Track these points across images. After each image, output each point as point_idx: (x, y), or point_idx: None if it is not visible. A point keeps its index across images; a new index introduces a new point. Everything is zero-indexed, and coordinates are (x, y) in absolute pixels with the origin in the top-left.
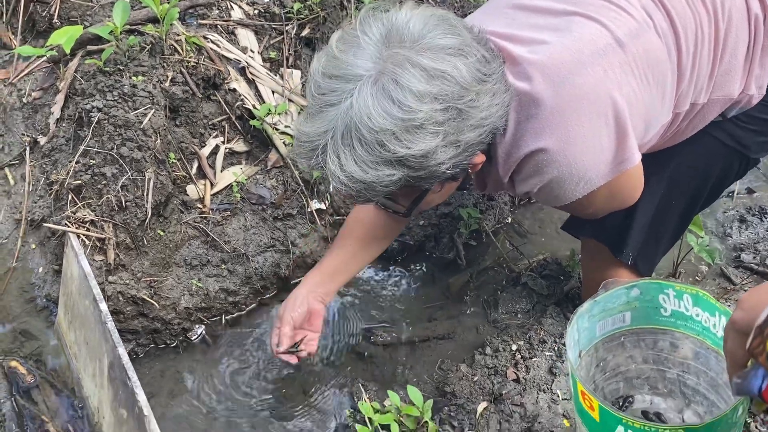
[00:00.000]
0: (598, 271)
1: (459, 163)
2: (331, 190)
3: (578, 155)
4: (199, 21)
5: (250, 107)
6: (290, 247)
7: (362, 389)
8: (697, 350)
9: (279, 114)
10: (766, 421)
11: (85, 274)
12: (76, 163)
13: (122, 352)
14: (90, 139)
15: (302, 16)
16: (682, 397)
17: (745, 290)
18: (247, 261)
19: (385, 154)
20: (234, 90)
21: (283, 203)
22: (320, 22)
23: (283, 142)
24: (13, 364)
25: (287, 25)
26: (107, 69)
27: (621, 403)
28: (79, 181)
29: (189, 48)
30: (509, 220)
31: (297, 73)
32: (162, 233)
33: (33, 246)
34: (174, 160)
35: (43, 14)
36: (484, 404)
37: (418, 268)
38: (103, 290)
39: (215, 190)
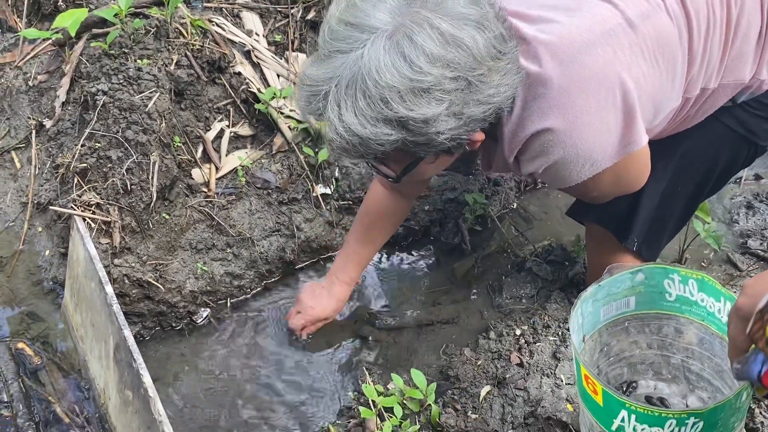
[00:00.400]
0: (603, 257)
1: (458, 137)
2: (327, 144)
3: (584, 136)
4: (204, 4)
5: (255, 91)
6: (295, 232)
7: (366, 372)
8: (701, 336)
9: (284, 98)
10: None
11: (90, 257)
12: (82, 146)
13: (128, 334)
14: (95, 122)
15: None
16: (686, 382)
17: (752, 276)
18: (252, 245)
19: (387, 112)
20: (239, 73)
21: (288, 187)
22: (325, 5)
23: (288, 126)
24: (21, 345)
25: (292, 8)
26: (112, 52)
27: (625, 389)
28: (85, 165)
29: (194, 31)
30: (515, 205)
31: (302, 56)
32: (167, 217)
33: (39, 229)
34: (179, 144)
35: None
36: (487, 388)
37: (423, 253)
38: (108, 273)
39: (220, 174)
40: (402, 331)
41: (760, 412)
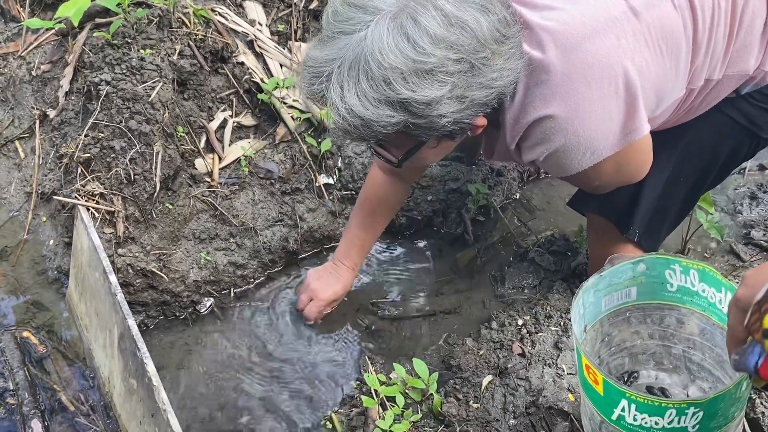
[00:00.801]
0: (604, 248)
1: (460, 120)
2: (329, 126)
3: (586, 123)
4: None
5: (258, 81)
6: (298, 222)
7: (369, 362)
8: (702, 326)
9: (287, 88)
10: None
11: (95, 247)
12: (86, 136)
13: (132, 323)
14: (99, 112)
15: None
16: (687, 372)
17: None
18: (255, 235)
19: (389, 94)
20: (242, 63)
21: (291, 177)
22: None
23: (291, 116)
24: (26, 334)
25: None
26: (115, 42)
27: (626, 379)
28: (89, 155)
29: (197, 21)
30: (517, 195)
31: (305, 46)
32: (171, 207)
33: (44, 219)
34: (182, 134)
35: None
36: (489, 378)
37: (425, 243)
38: (112, 263)
39: (223, 164)
40: (404, 321)
41: (761, 402)
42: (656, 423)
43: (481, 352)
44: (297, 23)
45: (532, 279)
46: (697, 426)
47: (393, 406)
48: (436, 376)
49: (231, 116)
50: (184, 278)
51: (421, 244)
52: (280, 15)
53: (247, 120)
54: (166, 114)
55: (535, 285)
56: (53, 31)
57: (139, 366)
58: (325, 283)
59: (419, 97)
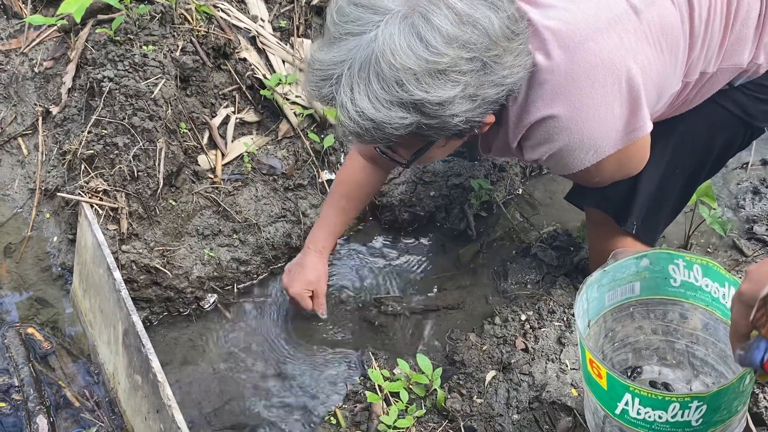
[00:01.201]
0: (604, 241)
1: (471, 119)
2: (339, 128)
3: (590, 123)
4: None
5: (261, 77)
6: (301, 218)
7: (372, 357)
8: (706, 321)
9: (289, 84)
10: None
11: (98, 243)
12: (89, 133)
13: (136, 319)
14: (102, 109)
15: None
16: (691, 368)
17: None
18: (258, 231)
19: (402, 95)
20: (244, 59)
21: (293, 173)
22: None
23: (294, 113)
24: (31, 330)
25: None
26: (118, 38)
27: (630, 374)
28: (92, 151)
29: (199, 17)
30: (520, 191)
31: (307, 42)
32: (174, 203)
33: (47, 215)
34: (185, 130)
35: None
36: (492, 373)
37: (428, 238)
38: (116, 259)
39: (226, 160)
40: (408, 317)
41: (764, 397)
42: (660, 417)
43: (484, 348)
44: (299, 19)
45: (535, 274)
46: (701, 420)
47: (397, 402)
48: (439, 371)
49: (234, 112)
50: (187, 274)
51: (424, 239)
52: (282, 11)
53: (250, 116)
54: (169, 110)
55: (538, 280)
56: (55, 27)
57: (143, 362)
58: (294, 275)
59: (432, 97)
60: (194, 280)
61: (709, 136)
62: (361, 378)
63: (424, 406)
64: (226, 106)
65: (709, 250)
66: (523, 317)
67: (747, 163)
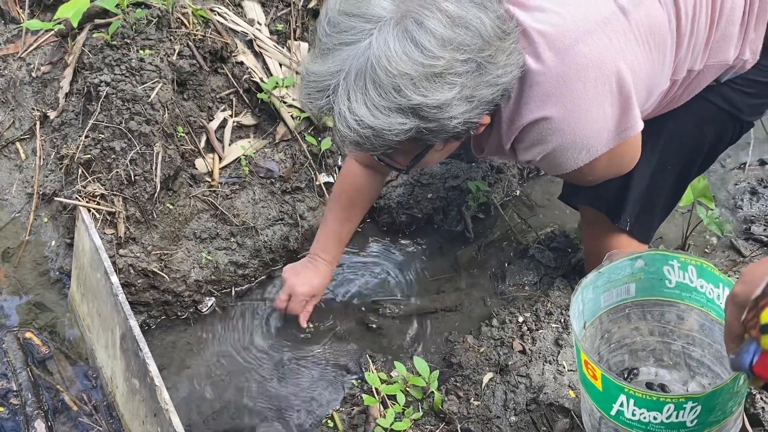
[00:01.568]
0: (598, 239)
1: (469, 120)
2: (337, 138)
3: (582, 123)
4: None
5: (258, 80)
6: (299, 221)
7: (370, 360)
8: (702, 322)
9: (286, 87)
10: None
11: (96, 248)
12: (86, 137)
13: (134, 323)
14: (99, 113)
15: None
16: (687, 369)
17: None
18: (255, 234)
19: (400, 101)
20: (241, 63)
21: (291, 176)
22: None
23: (291, 115)
24: (29, 335)
25: None
26: (115, 43)
27: (626, 375)
28: (89, 156)
29: (196, 21)
30: (517, 192)
31: (304, 45)
32: (171, 207)
33: (45, 220)
34: (182, 134)
35: None
36: (489, 375)
37: (426, 240)
38: (114, 263)
39: (223, 163)
40: (405, 319)
41: (761, 398)
42: (655, 418)
43: (481, 350)
44: (296, 22)
45: (533, 276)
46: (696, 420)
47: (394, 404)
48: (436, 373)
49: (231, 116)
50: (185, 278)
51: (422, 242)
52: (279, 14)
53: (247, 119)
54: (166, 114)
55: (536, 282)
56: (53, 32)
57: (141, 366)
58: (304, 277)
59: (431, 101)
60: (192, 284)
61: (699, 131)
62: (358, 381)
63: (421, 408)
64: (223, 110)
65: (706, 250)
66: (521, 319)
67: (745, 164)
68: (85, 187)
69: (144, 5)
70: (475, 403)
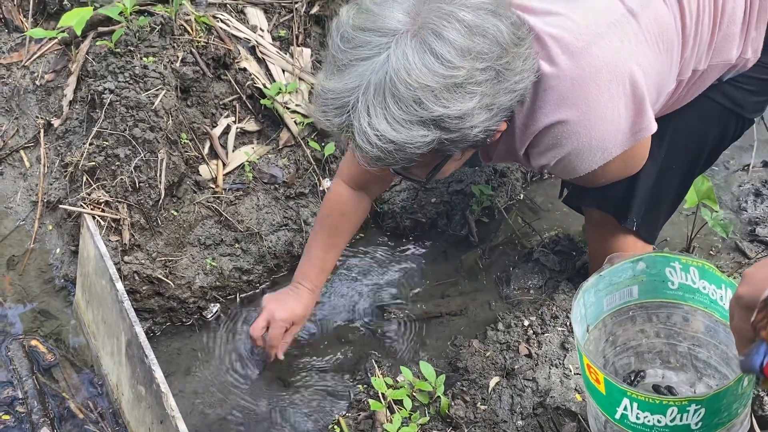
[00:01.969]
0: (604, 241)
1: (488, 128)
2: (358, 156)
3: (597, 126)
4: (208, 0)
5: (261, 86)
6: (303, 226)
7: (375, 365)
8: (707, 323)
9: (289, 93)
10: None
11: (101, 255)
12: (90, 144)
13: (139, 330)
14: (103, 120)
15: None
16: (694, 370)
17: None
18: (260, 240)
19: (421, 113)
20: (244, 69)
21: (295, 182)
22: (330, 0)
23: (294, 121)
24: (34, 343)
25: (297, 2)
26: (118, 50)
27: (633, 378)
28: (93, 163)
29: (199, 28)
30: (521, 196)
31: (307, 51)
32: (176, 213)
33: (50, 227)
34: (186, 141)
35: None
36: (496, 379)
37: (430, 245)
38: (119, 270)
39: (227, 169)
40: (410, 324)
41: None
42: (659, 421)
43: (487, 354)
44: (298, 28)
45: (538, 279)
46: (700, 423)
47: (400, 409)
48: (443, 378)
49: (234, 122)
50: (190, 284)
51: (426, 246)
52: (281, 20)
53: (251, 125)
54: (170, 121)
55: (541, 285)
56: (56, 40)
57: (147, 373)
58: (283, 302)
59: (452, 112)
60: (197, 290)
61: (702, 130)
62: (365, 386)
63: (428, 413)
64: (227, 116)
65: (711, 252)
66: (526, 323)
67: (749, 165)
68: (89, 195)
69: (147, 13)
70: (482, 407)
